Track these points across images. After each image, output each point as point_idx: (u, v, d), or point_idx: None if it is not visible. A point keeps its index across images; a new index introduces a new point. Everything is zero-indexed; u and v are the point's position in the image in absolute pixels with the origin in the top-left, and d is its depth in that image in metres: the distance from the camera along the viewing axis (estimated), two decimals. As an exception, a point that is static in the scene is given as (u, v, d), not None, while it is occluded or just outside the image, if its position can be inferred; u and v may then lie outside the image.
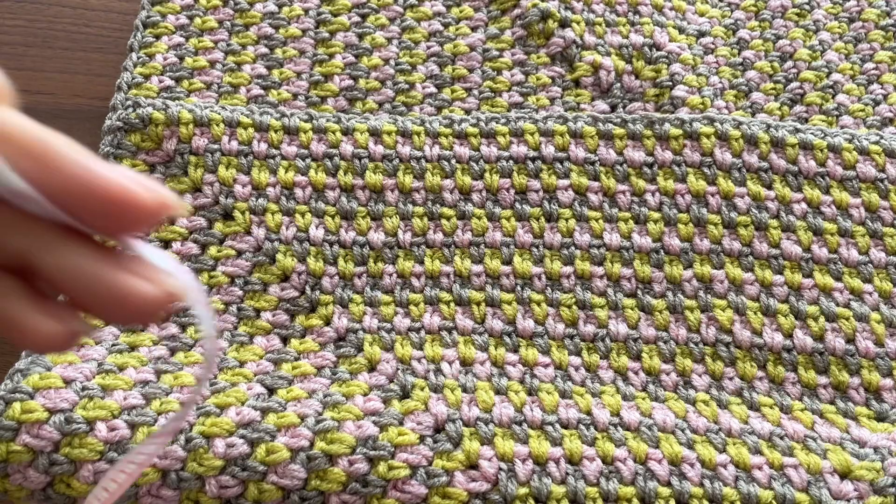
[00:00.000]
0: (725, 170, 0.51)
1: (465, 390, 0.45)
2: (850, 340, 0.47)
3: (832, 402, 0.46)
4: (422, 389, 0.45)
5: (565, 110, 0.56)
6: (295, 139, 0.52)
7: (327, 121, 0.52)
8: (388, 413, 0.44)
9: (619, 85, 0.57)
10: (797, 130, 0.53)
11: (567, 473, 0.42)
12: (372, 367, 0.46)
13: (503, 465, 0.42)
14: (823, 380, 0.47)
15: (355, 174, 0.51)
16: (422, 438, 0.43)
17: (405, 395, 0.45)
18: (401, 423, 0.43)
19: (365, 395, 0.45)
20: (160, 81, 0.57)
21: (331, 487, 0.41)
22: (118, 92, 0.56)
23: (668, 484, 0.42)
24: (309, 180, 0.50)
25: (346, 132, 0.52)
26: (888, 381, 0.46)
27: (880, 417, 0.46)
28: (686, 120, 0.52)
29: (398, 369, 0.46)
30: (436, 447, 0.42)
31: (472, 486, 0.41)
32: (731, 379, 0.47)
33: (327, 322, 0.48)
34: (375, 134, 0.52)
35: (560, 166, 0.51)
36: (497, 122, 0.53)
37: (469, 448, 0.42)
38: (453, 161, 0.51)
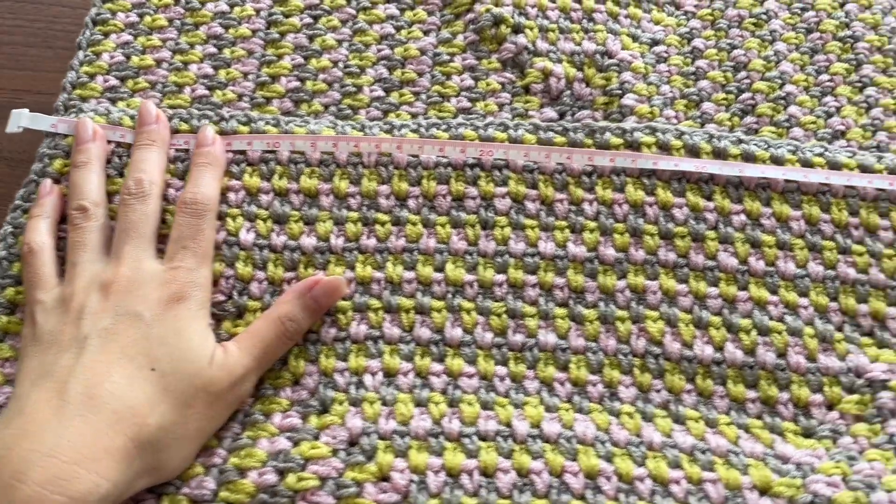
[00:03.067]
0: (665, 180, 0.51)
1: (384, 403, 0.44)
2: (782, 355, 0.47)
3: (759, 417, 0.46)
4: (340, 404, 0.45)
5: (513, 117, 0.56)
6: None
7: (266, 123, 0.52)
8: (304, 429, 0.43)
9: (569, 92, 0.57)
10: (740, 141, 0.52)
11: (480, 486, 0.42)
12: (296, 381, 0.46)
13: (415, 477, 0.41)
14: (752, 394, 0.46)
15: (290, 178, 0.50)
16: (335, 452, 0.42)
17: (324, 409, 0.45)
18: (316, 438, 0.43)
19: (284, 411, 0.45)
20: (105, 81, 0.56)
21: (239, 499, 0.41)
22: (63, 92, 0.55)
23: (583, 497, 0.41)
24: (243, 184, 0.50)
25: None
26: (818, 397, 0.46)
27: (808, 433, 0.45)
28: (627, 129, 0.52)
29: (320, 383, 0.46)
30: (348, 459, 0.42)
31: (382, 498, 0.41)
32: (658, 391, 0.46)
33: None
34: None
35: (498, 174, 0.51)
36: (438, 129, 0.52)
37: (382, 460, 0.42)
38: (391, 167, 0.51)
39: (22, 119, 0.51)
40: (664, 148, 0.51)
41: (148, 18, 0.59)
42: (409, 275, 0.49)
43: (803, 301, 0.48)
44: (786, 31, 0.60)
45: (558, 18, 0.59)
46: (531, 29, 0.59)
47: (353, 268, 0.48)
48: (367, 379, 0.45)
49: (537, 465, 0.42)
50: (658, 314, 0.48)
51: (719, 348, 0.47)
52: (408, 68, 0.58)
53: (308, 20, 0.60)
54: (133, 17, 0.59)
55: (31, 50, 0.60)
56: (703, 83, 0.58)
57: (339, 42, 0.59)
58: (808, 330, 0.47)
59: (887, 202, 0.51)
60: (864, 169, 0.52)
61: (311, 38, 0.59)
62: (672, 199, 0.50)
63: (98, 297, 0.43)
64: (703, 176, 0.51)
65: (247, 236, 0.49)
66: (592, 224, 0.50)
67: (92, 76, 0.56)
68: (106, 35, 0.58)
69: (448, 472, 0.42)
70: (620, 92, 0.57)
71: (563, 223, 0.50)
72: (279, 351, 0.45)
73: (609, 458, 0.43)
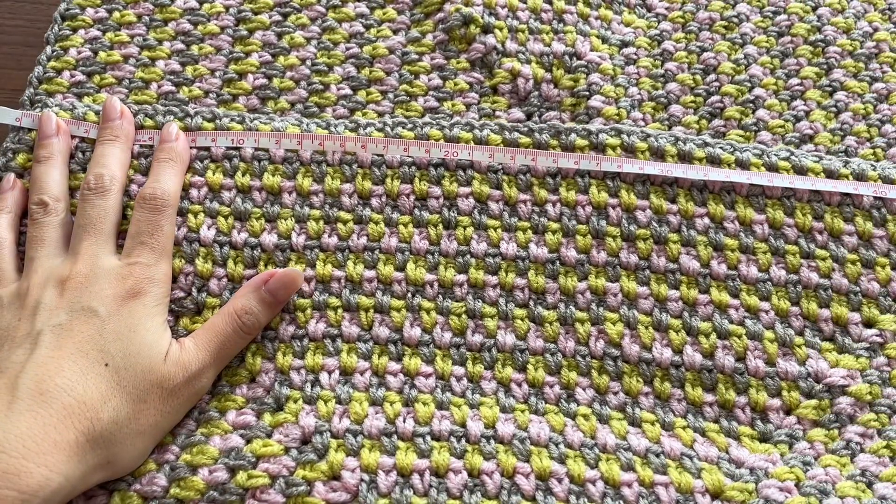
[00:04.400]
0: (629, 182, 0.51)
1: (339, 402, 0.44)
2: (741, 359, 0.47)
3: (716, 421, 0.46)
4: (295, 402, 0.45)
5: (480, 117, 0.56)
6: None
7: (231, 120, 0.52)
8: (257, 426, 0.43)
9: (536, 93, 0.57)
10: (706, 144, 0.52)
11: (430, 486, 0.41)
12: (252, 378, 0.46)
13: (365, 477, 0.41)
14: (710, 398, 0.46)
15: (253, 176, 0.50)
16: (287, 450, 0.42)
17: (279, 407, 0.45)
18: (269, 436, 0.43)
19: (239, 409, 0.44)
20: (72, 76, 0.56)
21: (189, 495, 0.41)
22: (29, 87, 0.55)
23: (533, 499, 0.41)
24: (206, 181, 0.50)
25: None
26: (775, 402, 0.46)
27: (764, 438, 0.45)
28: (592, 131, 0.52)
29: (276, 381, 0.45)
30: (299, 458, 0.42)
31: (332, 497, 0.41)
32: (615, 393, 0.46)
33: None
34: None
35: (463, 174, 0.51)
36: (403, 128, 0.52)
37: (333, 459, 0.42)
38: (354, 166, 0.51)
39: None
40: (629, 150, 0.51)
41: (117, 14, 0.59)
42: (370, 273, 0.48)
43: (764, 305, 0.48)
44: (757, 35, 0.60)
45: (528, 19, 0.59)
46: (500, 29, 0.58)
47: (313, 266, 0.48)
48: (324, 377, 0.45)
49: (489, 465, 0.42)
50: (618, 316, 0.48)
51: (678, 351, 0.47)
52: (376, 67, 0.58)
53: (277, 17, 0.59)
54: (102, 13, 0.59)
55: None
56: (672, 86, 0.58)
57: (308, 40, 0.58)
58: (769, 334, 0.47)
59: (851, 207, 0.51)
60: (830, 174, 0.52)
61: (279, 36, 0.59)
62: (636, 201, 0.50)
63: (54, 293, 0.43)
64: (667, 179, 0.51)
65: (207, 233, 0.49)
66: (555, 225, 0.50)
67: (59, 71, 0.56)
68: (74, 30, 0.58)
69: (399, 472, 0.42)
70: (588, 93, 0.57)
71: (526, 224, 0.50)
72: (237, 346, 0.45)
73: (562, 460, 0.43)
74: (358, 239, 0.49)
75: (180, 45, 0.58)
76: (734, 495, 0.42)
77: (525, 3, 0.60)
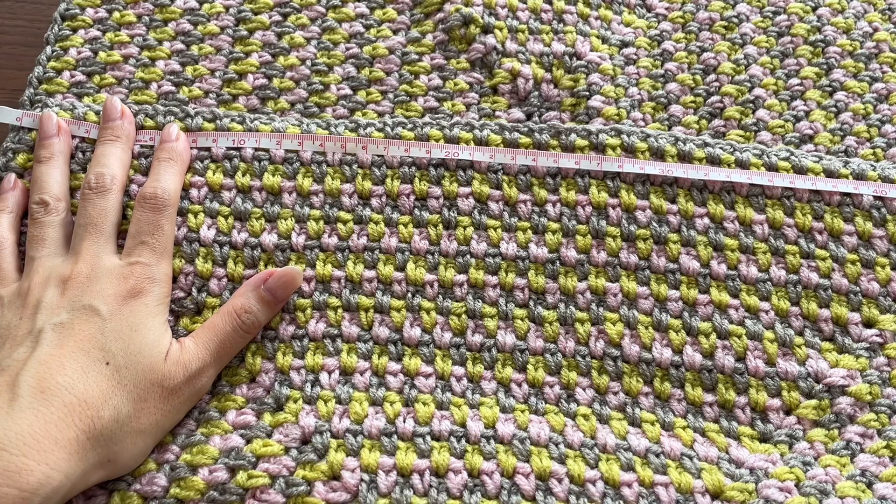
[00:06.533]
0: (629, 182, 0.51)
1: (339, 402, 0.44)
2: (741, 359, 0.47)
3: (716, 421, 0.46)
4: (295, 402, 0.45)
5: (480, 117, 0.56)
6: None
7: (231, 120, 0.52)
8: (257, 426, 0.43)
9: (536, 93, 0.57)
10: (706, 144, 0.52)
11: (430, 486, 0.41)
12: (252, 378, 0.46)
13: (365, 477, 0.41)
14: (710, 398, 0.46)
15: (254, 176, 0.50)
16: (287, 450, 0.42)
17: (279, 407, 0.45)
18: (269, 436, 0.43)
19: (239, 409, 0.44)
20: (72, 76, 0.56)
21: (189, 495, 0.41)
22: (28, 87, 0.55)
23: (533, 499, 0.41)
24: (206, 181, 0.50)
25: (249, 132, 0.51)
26: (775, 402, 0.46)
27: (764, 438, 0.45)
28: (592, 131, 0.52)
29: (276, 381, 0.45)
30: (299, 458, 0.42)
31: (332, 497, 0.41)
32: (615, 393, 0.46)
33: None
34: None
35: (463, 174, 0.51)
36: (403, 128, 0.52)
37: (333, 459, 0.42)
38: (355, 166, 0.51)
39: None
40: (629, 150, 0.51)
41: (116, 14, 0.59)
42: (370, 274, 0.48)
43: (764, 305, 0.48)
44: (757, 35, 0.60)
45: (528, 19, 0.59)
46: (500, 29, 0.58)
47: (313, 266, 0.48)
48: (324, 377, 0.45)
49: (489, 465, 0.42)
50: (618, 316, 0.48)
51: (678, 351, 0.47)
52: (376, 67, 0.58)
53: (277, 17, 0.59)
54: (102, 13, 0.59)
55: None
56: (672, 86, 0.58)
57: (308, 40, 0.58)
58: (768, 334, 0.47)
59: (851, 207, 0.51)
60: (830, 174, 0.52)
61: (279, 36, 0.59)
62: (635, 201, 0.50)
63: (55, 292, 0.43)
64: (667, 179, 0.51)
65: (207, 233, 0.49)
66: (555, 225, 0.50)
67: (59, 71, 0.56)
68: (74, 30, 0.58)
69: (399, 472, 0.42)
70: (588, 93, 0.57)
71: (526, 224, 0.50)
72: (237, 345, 0.45)
73: (562, 460, 0.43)
74: (358, 239, 0.49)
75: (180, 45, 0.58)
76: (734, 495, 0.42)
77: (525, 3, 0.60)
